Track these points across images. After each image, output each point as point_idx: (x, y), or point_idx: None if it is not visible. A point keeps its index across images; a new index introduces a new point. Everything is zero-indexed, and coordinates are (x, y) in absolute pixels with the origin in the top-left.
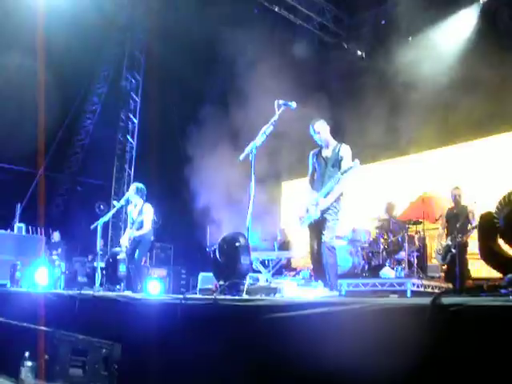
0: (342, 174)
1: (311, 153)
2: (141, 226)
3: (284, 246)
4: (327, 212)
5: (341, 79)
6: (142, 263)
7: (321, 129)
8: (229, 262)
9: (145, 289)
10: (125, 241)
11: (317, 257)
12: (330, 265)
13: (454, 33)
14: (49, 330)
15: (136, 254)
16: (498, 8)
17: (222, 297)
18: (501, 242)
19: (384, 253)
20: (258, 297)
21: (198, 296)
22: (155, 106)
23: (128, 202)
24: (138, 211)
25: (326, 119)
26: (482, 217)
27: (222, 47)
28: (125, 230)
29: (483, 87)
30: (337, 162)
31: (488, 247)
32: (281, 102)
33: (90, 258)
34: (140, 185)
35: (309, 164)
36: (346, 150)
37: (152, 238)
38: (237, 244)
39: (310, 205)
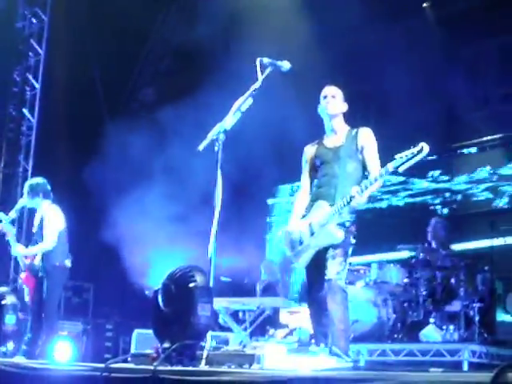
0: (394, 167)
1: (305, 149)
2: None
3: (270, 289)
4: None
5: None
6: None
7: (338, 93)
8: (179, 312)
9: (49, 353)
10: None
11: (318, 306)
12: (338, 318)
13: None
14: None
15: (43, 294)
16: None
17: (167, 367)
18: None
19: (427, 303)
20: (222, 368)
21: (129, 366)
22: (68, 62)
23: (21, 212)
24: (39, 219)
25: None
26: None
27: None
28: None
29: None
30: (355, 153)
31: None
32: (266, 60)
33: None
34: (34, 181)
35: (303, 164)
36: (367, 135)
37: (68, 264)
38: (191, 284)
39: (314, 225)
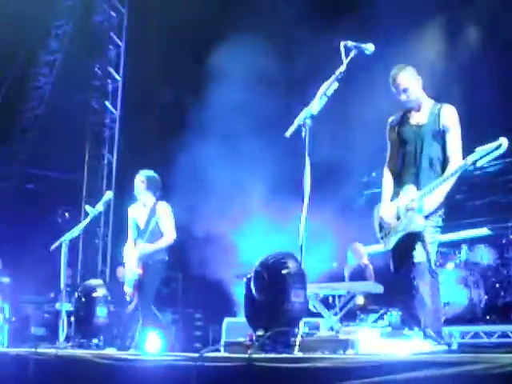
0: (472, 161)
1: (389, 121)
2: (157, 238)
3: (359, 273)
4: (427, 219)
5: None
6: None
7: (409, 82)
8: (271, 299)
9: (140, 345)
10: (132, 265)
11: (406, 289)
12: (429, 301)
13: None
14: None
15: (144, 287)
16: None
17: (261, 355)
18: None
19: None
20: (318, 355)
21: (223, 355)
22: (149, 55)
23: (106, 206)
24: (147, 215)
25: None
26: None
27: None
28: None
29: None
30: (438, 134)
31: None
32: (350, 43)
33: (51, 296)
34: (150, 173)
35: (387, 139)
36: (451, 115)
37: (166, 258)
38: (284, 271)
39: (401, 209)
